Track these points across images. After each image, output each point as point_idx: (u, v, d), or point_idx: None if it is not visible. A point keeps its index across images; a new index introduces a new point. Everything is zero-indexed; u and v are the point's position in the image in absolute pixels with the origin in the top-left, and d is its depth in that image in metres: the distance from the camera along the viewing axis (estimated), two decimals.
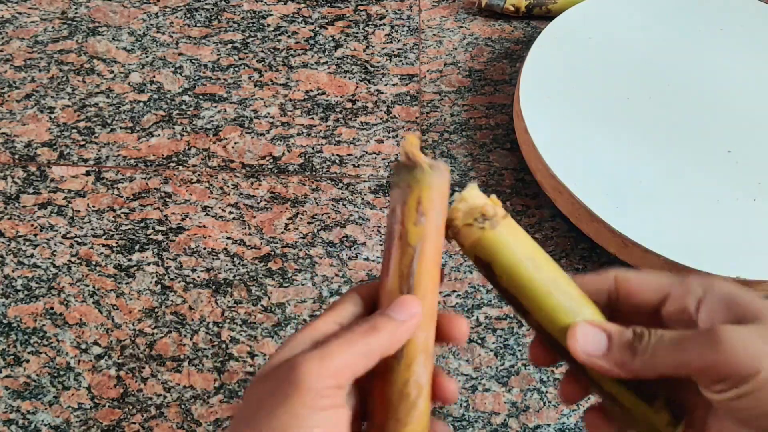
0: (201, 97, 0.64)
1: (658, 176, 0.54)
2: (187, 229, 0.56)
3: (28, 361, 0.50)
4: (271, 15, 0.70)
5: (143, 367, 0.50)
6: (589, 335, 0.28)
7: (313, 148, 0.61)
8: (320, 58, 0.67)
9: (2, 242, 0.55)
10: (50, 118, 0.62)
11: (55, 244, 0.55)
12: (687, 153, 0.56)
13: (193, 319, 0.52)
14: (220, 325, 0.51)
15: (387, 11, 0.71)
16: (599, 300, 0.31)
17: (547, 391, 0.49)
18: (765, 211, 0.53)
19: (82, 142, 0.60)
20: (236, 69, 0.66)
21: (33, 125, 0.61)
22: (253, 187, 0.58)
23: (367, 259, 0.55)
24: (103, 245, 0.55)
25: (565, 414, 0.49)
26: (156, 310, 0.52)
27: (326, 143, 0.61)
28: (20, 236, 0.55)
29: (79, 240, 0.55)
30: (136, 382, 0.49)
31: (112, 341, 0.51)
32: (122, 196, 0.57)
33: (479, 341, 0.51)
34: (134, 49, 0.67)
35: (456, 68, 0.67)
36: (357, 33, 0.69)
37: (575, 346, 0.28)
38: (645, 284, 0.30)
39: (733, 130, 0.57)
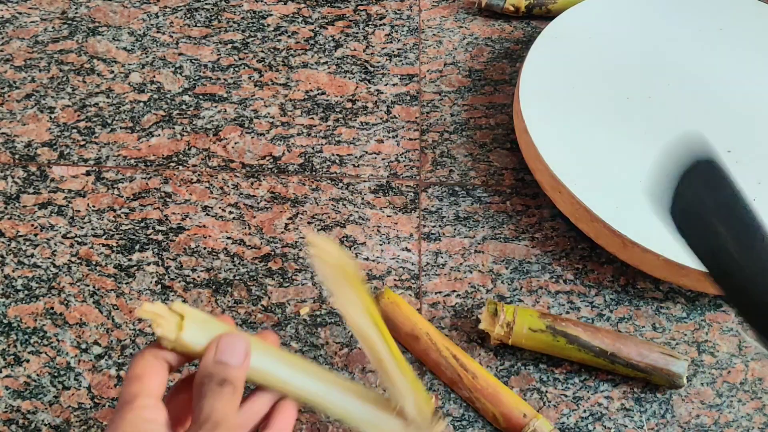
0: (201, 97, 0.64)
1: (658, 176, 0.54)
2: (187, 229, 0.56)
3: (28, 360, 0.50)
4: (271, 15, 0.70)
5: None
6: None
7: (313, 148, 0.61)
8: (320, 58, 0.67)
9: (2, 242, 0.55)
10: (50, 118, 0.62)
11: (56, 244, 0.55)
12: None
13: None
14: None
15: (387, 11, 0.71)
16: None
17: (547, 391, 0.49)
18: (765, 211, 0.53)
19: (82, 142, 0.61)
20: (236, 69, 0.66)
21: (33, 125, 0.61)
22: (253, 187, 0.58)
23: (367, 259, 0.55)
24: (104, 245, 0.55)
25: (565, 414, 0.49)
26: None
27: (326, 143, 0.61)
28: (20, 236, 0.55)
29: (80, 240, 0.55)
30: None
31: (112, 341, 0.51)
32: (122, 196, 0.57)
33: (479, 341, 0.51)
34: (134, 49, 0.67)
35: (456, 68, 0.67)
36: (357, 33, 0.69)
37: None
38: None
39: (733, 130, 0.57)
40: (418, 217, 0.57)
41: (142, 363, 0.32)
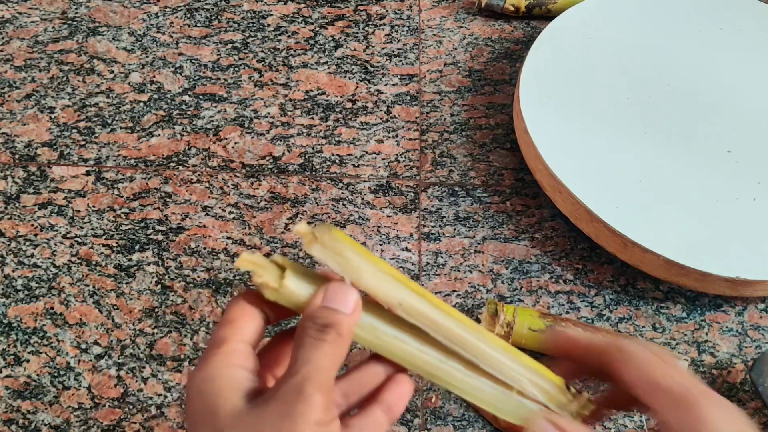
0: (201, 97, 0.64)
1: (658, 176, 0.54)
2: (187, 229, 0.56)
3: (28, 360, 0.50)
4: (271, 15, 0.70)
5: (143, 367, 0.50)
6: None
7: (313, 148, 0.61)
8: (320, 58, 0.67)
9: (2, 242, 0.55)
10: (50, 118, 0.62)
11: (56, 244, 0.55)
12: (687, 153, 0.56)
13: (193, 319, 0.52)
14: None
15: (387, 11, 0.71)
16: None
17: None
18: (765, 211, 0.53)
19: (82, 142, 0.61)
20: (236, 69, 0.66)
21: (33, 125, 0.61)
22: (253, 187, 0.58)
23: None
24: (104, 245, 0.55)
25: None
26: (156, 309, 0.52)
27: (326, 143, 0.61)
28: (20, 236, 0.55)
29: (80, 240, 0.55)
30: (136, 381, 0.49)
31: (112, 341, 0.51)
32: (122, 196, 0.57)
33: None
34: (134, 49, 0.67)
35: (456, 68, 0.67)
36: (357, 33, 0.69)
37: None
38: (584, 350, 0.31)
39: (733, 130, 0.57)
40: (418, 217, 0.57)
41: (235, 308, 0.29)
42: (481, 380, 0.31)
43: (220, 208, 0.57)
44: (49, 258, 0.54)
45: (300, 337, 0.28)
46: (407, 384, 0.31)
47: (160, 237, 0.55)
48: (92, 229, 0.56)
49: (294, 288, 0.29)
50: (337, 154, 0.60)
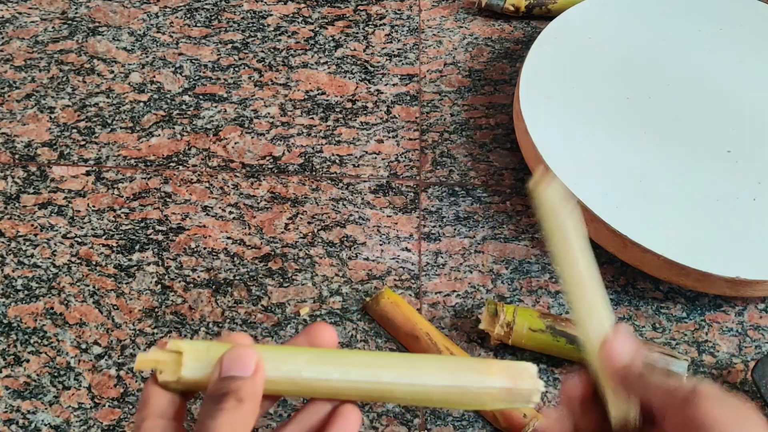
0: (201, 97, 0.64)
1: (658, 176, 0.54)
2: (187, 229, 0.56)
3: (28, 360, 0.50)
4: (271, 15, 0.70)
5: None
6: (626, 344, 0.31)
7: (313, 148, 0.61)
8: (320, 58, 0.67)
9: (2, 242, 0.55)
10: (50, 118, 0.62)
11: (56, 244, 0.55)
12: (687, 153, 0.56)
13: (193, 319, 0.52)
14: (221, 325, 0.51)
15: (387, 11, 0.71)
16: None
17: (546, 391, 0.49)
18: (765, 211, 0.53)
19: (82, 142, 0.61)
20: (236, 69, 0.66)
21: (33, 125, 0.61)
22: (253, 187, 0.58)
23: (367, 259, 0.55)
24: (104, 245, 0.55)
25: None
26: (156, 309, 0.52)
27: (326, 143, 0.61)
28: (20, 236, 0.55)
29: (80, 240, 0.55)
30: (136, 381, 0.49)
31: (112, 341, 0.51)
32: (122, 196, 0.57)
33: (479, 341, 0.51)
34: (134, 49, 0.67)
35: (456, 68, 0.67)
36: (357, 33, 0.69)
37: (610, 348, 0.31)
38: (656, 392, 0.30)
39: (733, 130, 0.57)
40: (418, 217, 0.57)
41: (147, 389, 0.30)
42: (429, 378, 0.29)
43: (220, 208, 0.57)
44: (49, 258, 0.54)
45: (200, 413, 0.28)
46: (352, 414, 0.30)
47: (160, 237, 0.55)
48: (92, 229, 0.56)
49: (192, 374, 0.29)
50: (337, 154, 0.60)
